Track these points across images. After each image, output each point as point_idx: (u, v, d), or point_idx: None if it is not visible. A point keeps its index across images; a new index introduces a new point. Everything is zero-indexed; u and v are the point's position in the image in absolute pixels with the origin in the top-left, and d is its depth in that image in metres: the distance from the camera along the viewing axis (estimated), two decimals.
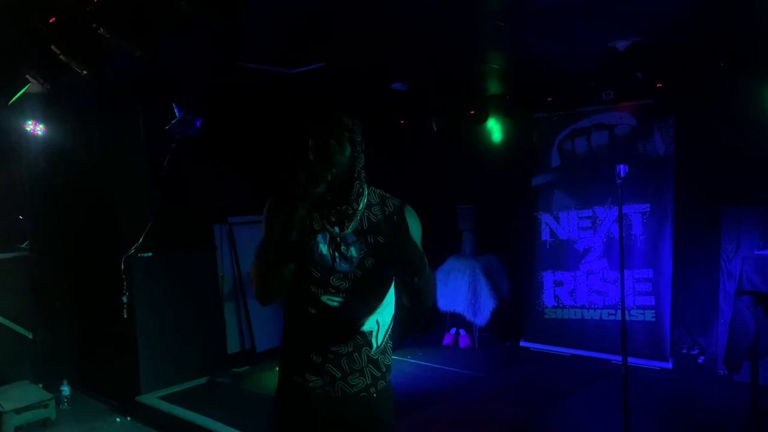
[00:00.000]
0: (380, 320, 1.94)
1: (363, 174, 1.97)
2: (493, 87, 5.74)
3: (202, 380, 5.05)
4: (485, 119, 6.04)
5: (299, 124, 6.69)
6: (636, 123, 5.38)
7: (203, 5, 2.61)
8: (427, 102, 5.99)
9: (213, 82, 4.82)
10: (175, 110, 4.88)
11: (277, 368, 2.05)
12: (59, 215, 5.30)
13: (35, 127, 4.85)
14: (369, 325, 1.91)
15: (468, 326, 5.99)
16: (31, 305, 5.12)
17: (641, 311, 5.27)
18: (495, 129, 6.21)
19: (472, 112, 6.07)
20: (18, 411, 4.33)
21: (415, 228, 1.93)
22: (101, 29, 2.99)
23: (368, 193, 2.01)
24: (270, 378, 5.18)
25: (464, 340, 6.00)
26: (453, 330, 6.10)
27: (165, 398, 4.67)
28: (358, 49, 4.19)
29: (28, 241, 5.29)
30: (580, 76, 5.15)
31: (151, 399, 4.67)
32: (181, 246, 5.22)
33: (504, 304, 5.89)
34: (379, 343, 1.93)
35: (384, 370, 1.95)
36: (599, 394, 4.55)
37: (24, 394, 4.52)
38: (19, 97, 3.85)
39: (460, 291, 5.90)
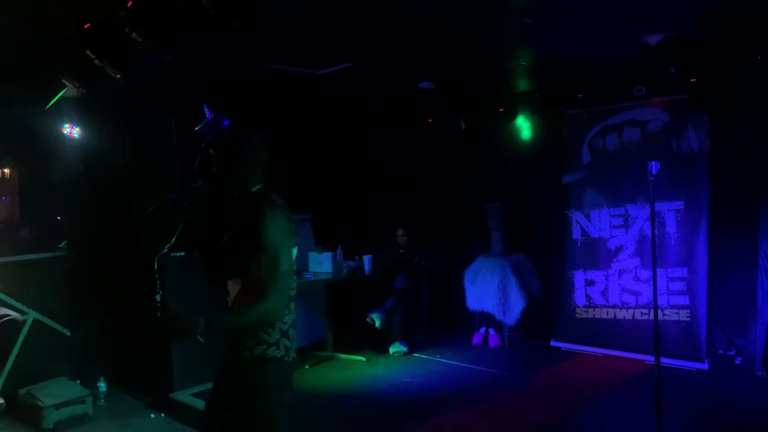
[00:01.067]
0: None
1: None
2: (522, 84, 5.69)
3: None
4: (514, 117, 5.99)
5: (324, 122, 6.77)
6: (669, 119, 5.27)
7: (227, 7, 2.66)
8: (455, 100, 5.97)
9: (241, 83, 4.88)
10: (206, 111, 4.95)
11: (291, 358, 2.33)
12: (95, 216, 5.44)
13: (72, 130, 4.98)
14: None
15: (498, 325, 5.95)
16: (68, 303, 5.26)
17: (675, 311, 5.16)
18: (524, 126, 6.14)
19: (501, 109, 6.04)
20: (57, 406, 4.45)
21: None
22: (133, 34, 3.07)
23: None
24: (299, 375, 5.23)
25: (494, 340, 5.96)
26: (482, 329, 6.06)
27: (198, 395, 4.74)
28: (383, 49, 4.20)
29: (65, 242, 5.44)
30: (612, 72, 5.06)
31: (185, 396, 4.75)
32: None
33: (534, 303, 5.84)
34: None
35: None
36: (632, 395, 4.47)
37: (62, 390, 4.64)
38: (56, 101, 3.97)
39: (490, 290, 5.86)
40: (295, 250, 2.33)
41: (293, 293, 2.31)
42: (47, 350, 5.07)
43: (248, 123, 5.48)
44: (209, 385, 4.97)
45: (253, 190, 2.39)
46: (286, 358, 2.30)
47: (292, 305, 2.32)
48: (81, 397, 4.61)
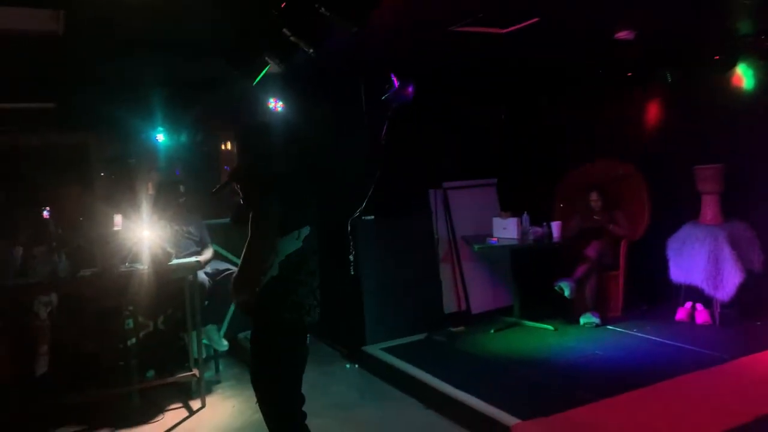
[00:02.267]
0: None
1: None
2: (745, 27, 4.89)
3: (420, 336, 5.32)
4: (733, 65, 5.20)
5: (509, 87, 6.57)
6: None
7: None
8: (659, 50, 5.36)
9: (426, 49, 4.90)
10: (393, 80, 5.08)
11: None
12: (296, 182, 5.95)
13: (276, 105, 5.47)
14: None
15: (707, 301, 5.33)
16: None
17: None
18: (746, 76, 5.30)
19: (717, 57, 5.28)
20: None
21: None
22: (322, 9, 3.24)
23: None
24: (484, 339, 5.26)
25: (702, 316, 5.36)
26: (688, 304, 5.49)
27: (387, 350, 5.03)
28: None
29: None
30: None
31: (375, 350, 5.06)
32: (399, 210, 5.51)
33: (753, 277, 5.11)
34: None
35: None
36: None
37: None
38: (262, 77, 4.37)
39: (698, 261, 5.26)
40: (305, 230, 2.62)
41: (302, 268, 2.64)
42: None
43: (434, 91, 5.57)
44: (397, 341, 5.30)
45: (270, 174, 2.65)
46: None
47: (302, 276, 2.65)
48: None
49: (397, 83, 5.12)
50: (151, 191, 5.84)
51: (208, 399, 4.42)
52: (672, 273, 5.47)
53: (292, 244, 2.57)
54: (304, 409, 2.66)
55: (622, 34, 4.71)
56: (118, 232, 4.54)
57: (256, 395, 2.61)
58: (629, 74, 6.11)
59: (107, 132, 7.41)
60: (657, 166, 5.90)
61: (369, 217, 5.25)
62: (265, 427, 2.61)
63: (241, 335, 5.30)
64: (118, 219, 4.68)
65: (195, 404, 4.38)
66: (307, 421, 2.68)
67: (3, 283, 3.91)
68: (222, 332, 5.36)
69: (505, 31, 4.49)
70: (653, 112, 6.10)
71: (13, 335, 4.08)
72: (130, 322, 4.57)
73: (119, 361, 4.62)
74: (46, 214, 4.82)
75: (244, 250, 2.54)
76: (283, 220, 2.54)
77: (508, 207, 5.78)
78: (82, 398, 4.23)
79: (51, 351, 4.45)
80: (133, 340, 4.70)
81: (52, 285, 4.10)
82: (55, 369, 4.46)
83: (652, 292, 5.85)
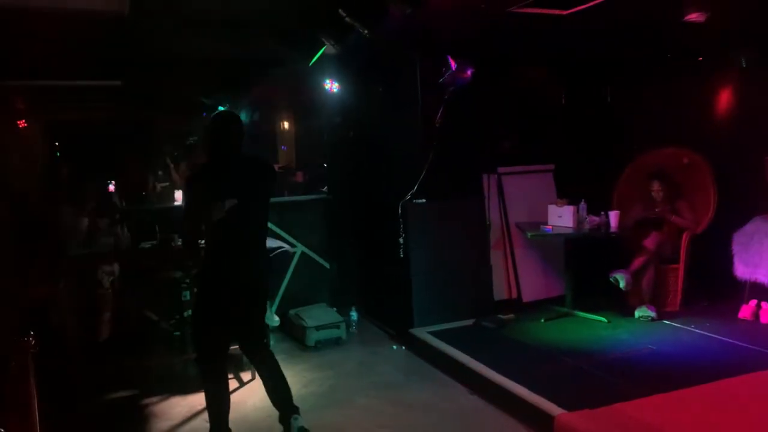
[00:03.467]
0: None
1: None
2: None
3: (468, 322, 5.29)
4: None
5: (569, 70, 6.39)
6: None
7: None
8: (733, 32, 5.07)
9: (484, 30, 4.81)
10: (449, 62, 5.03)
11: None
12: (350, 163, 6.01)
13: (332, 85, 5.51)
14: None
15: None
16: (328, 240, 5.98)
17: None
18: None
19: None
20: (317, 328, 5.15)
21: None
22: None
23: None
24: (534, 328, 5.19)
25: (767, 315, 5.11)
26: (753, 302, 5.23)
27: (434, 334, 5.02)
28: None
29: (326, 186, 6.14)
30: None
31: (422, 333, 5.07)
32: (452, 194, 5.46)
33: None
34: None
35: None
36: None
37: (322, 314, 5.34)
38: (318, 58, 4.42)
39: (766, 257, 5.00)
40: (229, 202, 3.07)
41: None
42: (311, 279, 5.87)
43: (492, 74, 5.47)
44: (444, 325, 5.29)
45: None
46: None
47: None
48: (336, 323, 5.24)
49: (454, 66, 5.07)
50: None
51: None
52: (737, 269, 5.22)
53: (217, 212, 3.06)
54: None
55: (693, 16, 4.48)
56: (178, 206, 4.72)
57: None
58: (699, 59, 5.82)
59: (172, 110, 7.68)
60: (726, 155, 5.61)
61: (420, 200, 5.24)
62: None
63: (291, 312, 5.42)
64: (178, 194, 4.85)
65: (245, 376, 4.52)
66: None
67: (70, 252, 4.13)
68: (273, 308, 5.49)
69: (566, 12, 4.34)
70: (724, 98, 5.79)
71: (79, 302, 4.31)
72: (187, 294, 4.75)
73: (176, 330, 4.82)
74: (111, 187, 5.05)
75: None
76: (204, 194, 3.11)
77: (565, 194, 5.64)
78: (140, 364, 4.45)
79: (113, 318, 4.69)
80: (189, 311, 4.89)
81: (115, 255, 4.30)
82: (116, 335, 4.70)
83: (714, 287, 5.60)
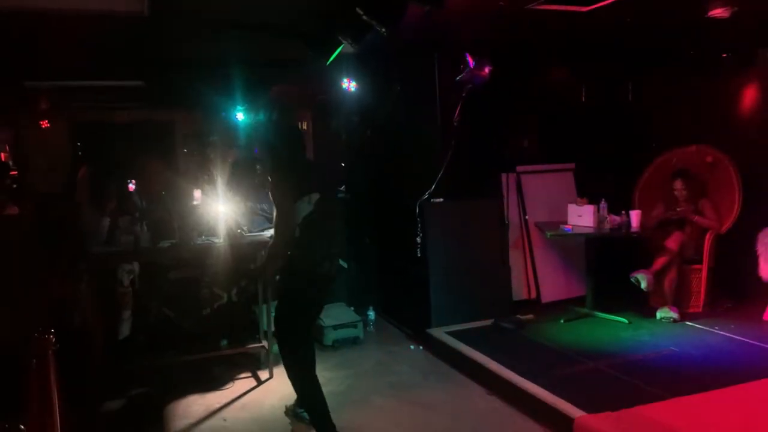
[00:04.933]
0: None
1: None
2: None
3: (487, 322, 5.25)
4: None
5: (589, 68, 6.31)
6: None
7: None
8: (758, 29, 4.96)
9: (503, 27, 4.77)
10: (468, 60, 4.99)
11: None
12: (368, 162, 6.00)
13: (349, 84, 5.50)
14: None
15: None
16: (346, 239, 5.96)
17: None
18: None
19: None
20: (335, 327, 5.15)
21: None
22: None
23: None
24: (554, 329, 5.13)
25: None
26: None
27: (452, 334, 4.99)
28: None
29: (344, 186, 6.14)
30: None
31: (440, 333, 5.04)
32: (470, 193, 5.42)
33: None
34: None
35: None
36: None
37: (340, 314, 5.34)
38: (336, 57, 4.41)
39: None
40: (314, 196, 3.28)
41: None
42: None
43: (511, 71, 5.43)
44: (462, 325, 5.26)
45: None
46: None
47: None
48: (354, 322, 5.24)
49: (472, 63, 5.03)
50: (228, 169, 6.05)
51: (276, 370, 4.56)
52: (762, 270, 5.11)
53: (305, 207, 3.22)
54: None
55: (717, 12, 4.39)
56: (196, 206, 4.75)
57: (276, 333, 3.57)
58: (724, 55, 5.71)
59: (191, 110, 7.74)
60: (750, 154, 5.49)
61: (438, 200, 5.21)
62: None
63: None
64: (197, 194, 4.88)
65: (263, 374, 4.54)
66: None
67: (91, 251, 4.18)
68: None
69: (586, 9, 4.29)
70: (749, 95, 5.67)
71: (99, 301, 4.36)
72: (206, 293, 4.79)
73: (195, 329, 4.85)
74: (131, 186, 5.10)
75: (274, 229, 3.29)
76: (296, 188, 3.24)
77: (585, 193, 5.57)
78: (159, 362, 4.49)
79: (133, 316, 4.73)
80: (208, 310, 4.92)
81: (135, 254, 4.34)
82: (136, 333, 4.75)
83: (739, 288, 5.50)
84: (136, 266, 4.77)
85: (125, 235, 4.23)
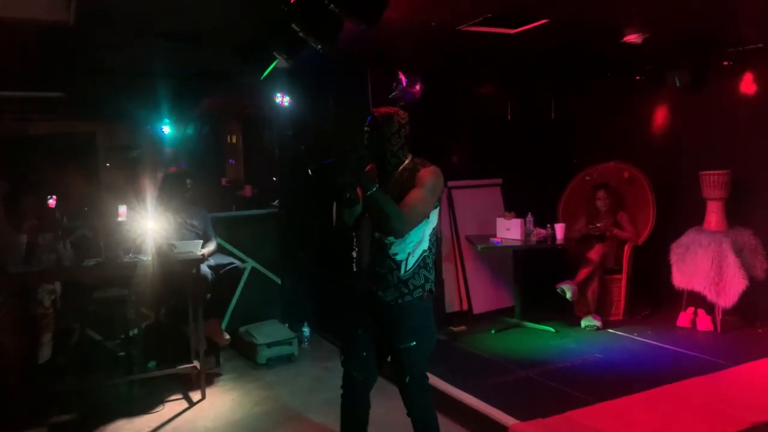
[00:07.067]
0: (411, 253, 2.70)
1: (398, 150, 2.78)
2: (754, 34, 4.88)
3: None
4: (743, 72, 5.19)
5: (516, 86, 6.57)
6: None
7: None
8: (667, 54, 5.35)
9: (435, 47, 4.91)
10: (400, 78, 5.10)
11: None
12: (302, 177, 5.96)
13: (282, 99, 5.48)
14: (401, 255, 2.69)
15: (709, 307, 5.33)
16: (280, 255, 5.90)
17: None
18: (759, 83, 5.27)
19: (726, 63, 5.28)
20: (269, 345, 5.05)
21: (419, 181, 2.67)
22: (331, 5, 3.24)
23: (406, 162, 2.78)
24: (485, 339, 5.27)
25: (703, 322, 5.36)
26: (690, 310, 5.48)
27: None
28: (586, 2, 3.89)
29: (278, 200, 6.08)
30: None
31: None
32: None
33: (756, 284, 5.11)
34: (407, 269, 2.69)
35: (411, 288, 2.70)
36: None
37: (273, 331, 5.25)
38: (269, 72, 4.38)
39: (701, 267, 5.26)
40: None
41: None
42: (262, 295, 5.78)
43: (440, 88, 5.58)
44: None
45: (405, 162, 2.81)
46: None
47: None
48: (288, 339, 5.16)
49: (405, 81, 5.14)
50: (157, 183, 5.87)
51: (209, 391, 4.44)
52: (675, 278, 5.47)
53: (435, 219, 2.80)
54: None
55: (631, 38, 4.71)
56: (122, 222, 4.56)
57: (410, 366, 2.92)
58: (637, 78, 6.11)
59: (114, 122, 7.45)
60: (663, 170, 5.90)
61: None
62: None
63: (242, 328, 5.31)
64: (122, 210, 4.69)
65: (195, 396, 4.40)
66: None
67: (8, 270, 3.93)
68: (224, 326, 5.38)
69: (514, 31, 4.49)
70: (661, 115, 6.10)
71: (17, 323, 4.10)
72: (133, 313, 4.60)
73: (121, 351, 4.64)
74: (51, 202, 4.85)
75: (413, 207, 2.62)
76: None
77: (513, 207, 5.78)
78: (83, 386, 4.26)
79: (54, 339, 4.47)
80: (136, 330, 4.72)
81: (57, 273, 4.12)
82: (57, 357, 4.49)
83: (655, 296, 5.86)
84: (57, 286, 4.52)
85: (47, 254, 4.00)
